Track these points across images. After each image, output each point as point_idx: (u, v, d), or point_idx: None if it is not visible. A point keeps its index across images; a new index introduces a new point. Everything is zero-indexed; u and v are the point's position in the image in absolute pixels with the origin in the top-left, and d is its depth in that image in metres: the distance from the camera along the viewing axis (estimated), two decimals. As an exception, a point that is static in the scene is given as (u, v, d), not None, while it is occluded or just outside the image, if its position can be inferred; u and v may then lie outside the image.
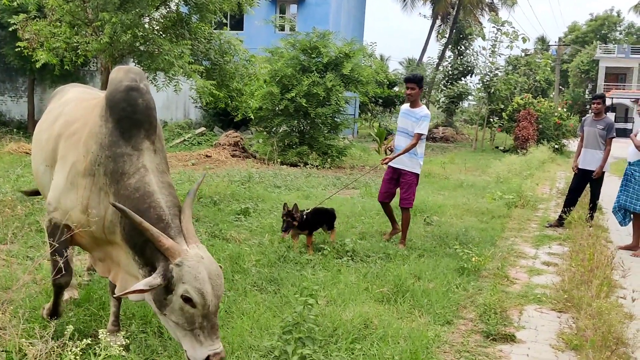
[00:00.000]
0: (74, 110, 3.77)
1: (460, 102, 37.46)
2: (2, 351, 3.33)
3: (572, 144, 27.87)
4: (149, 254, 3.07)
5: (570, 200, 8.91)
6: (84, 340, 2.51)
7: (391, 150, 7.01)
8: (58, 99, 4.22)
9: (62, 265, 3.43)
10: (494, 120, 29.69)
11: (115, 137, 3.34)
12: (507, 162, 17.40)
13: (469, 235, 7.61)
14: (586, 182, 8.80)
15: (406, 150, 6.71)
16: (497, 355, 4.15)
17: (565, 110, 29.52)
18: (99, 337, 2.54)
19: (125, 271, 3.41)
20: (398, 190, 7.11)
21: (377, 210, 9.07)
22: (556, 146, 26.38)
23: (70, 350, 2.44)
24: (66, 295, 3.84)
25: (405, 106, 7.04)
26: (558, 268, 6.50)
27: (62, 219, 3.48)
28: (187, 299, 2.91)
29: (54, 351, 3.01)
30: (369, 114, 34.64)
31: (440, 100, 36.20)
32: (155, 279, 2.94)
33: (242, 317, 4.36)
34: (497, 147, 28.58)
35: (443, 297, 5.06)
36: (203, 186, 10.04)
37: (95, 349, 2.57)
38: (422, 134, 6.71)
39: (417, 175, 6.96)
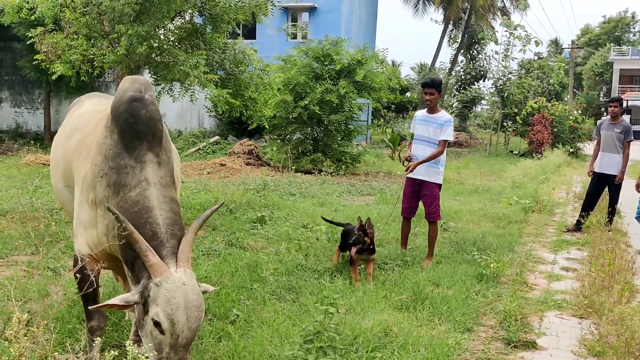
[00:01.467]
0: (87, 124, 3.73)
1: (474, 107, 37.36)
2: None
3: (588, 147, 27.62)
4: (137, 269, 2.96)
5: (588, 205, 8.84)
6: (112, 352, 2.53)
7: (409, 160, 6.52)
8: (74, 111, 4.23)
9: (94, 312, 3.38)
10: (507, 125, 29.52)
11: (119, 149, 3.25)
12: (523, 166, 17.31)
13: (486, 241, 7.57)
14: (604, 186, 8.73)
15: (432, 157, 6.30)
16: (519, 363, 4.12)
17: (579, 113, 29.29)
18: (126, 348, 2.55)
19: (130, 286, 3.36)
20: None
21: (393, 217, 9.06)
22: (571, 150, 26.15)
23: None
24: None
25: (422, 112, 6.68)
26: (577, 273, 6.44)
27: (85, 249, 3.37)
28: (156, 323, 2.76)
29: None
30: (382, 120, 34.64)
31: (454, 105, 36.10)
32: (133, 295, 2.86)
33: (262, 326, 4.37)
34: (511, 152, 28.42)
35: (462, 304, 5.04)
36: (219, 195, 10.11)
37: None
38: (448, 141, 6.40)
39: (439, 185, 6.61)
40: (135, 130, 3.27)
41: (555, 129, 25.99)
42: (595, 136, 9.12)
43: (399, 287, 5.44)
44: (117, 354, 2.61)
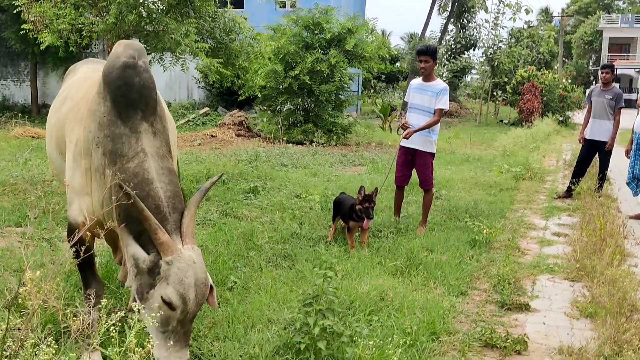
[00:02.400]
0: (80, 90, 3.64)
1: (464, 77, 37.22)
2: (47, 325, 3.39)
3: (577, 116, 27.75)
4: (142, 243, 2.93)
5: (579, 172, 8.91)
6: (119, 313, 2.54)
7: (405, 128, 6.37)
8: (69, 79, 4.17)
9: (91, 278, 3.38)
10: (497, 94, 29.53)
11: (114, 117, 3.16)
12: (513, 135, 17.39)
13: (478, 208, 7.64)
14: (594, 152, 8.80)
15: (428, 126, 6.26)
16: (513, 324, 4.19)
17: (569, 82, 29.32)
18: (133, 308, 2.57)
19: (124, 259, 3.31)
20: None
21: (385, 186, 9.10)
22: (561, 118, 26.26)
23: (106, 322, 2.48)
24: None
25: (417, 81, 6.57)
26: (569, 238, 6.53)
27: (80, 217, 3.31)
28: (167, 301, 2.79)
29: (98, 321, 3.06)
30: (372, 91, 34.53)
31: (444, 75, 35.96)
32: (145, 261, 2.86)
33: (259, 292, 4.42)
34: (501, 121, 28.50)
35: (456, 269, 5.11)
36: (211, 166, 10.10)
37: (128, 321, 2.61)
38: (444, 109, 6.34)
39: (432, 154, 6.58)
40: (128, 99, 3.18)
41: (545, 98, 26.05)
42: (586, 103, 9.15)
43: (393, 254, 5.50)
44: (123, 314, 2.62)
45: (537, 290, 4.89)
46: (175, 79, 20.20)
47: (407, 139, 6.33)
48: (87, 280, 3.37)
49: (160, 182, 3.06)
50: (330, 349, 3.23)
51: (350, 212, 5.76)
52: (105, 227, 3.41)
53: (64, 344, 2.98)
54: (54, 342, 2.46)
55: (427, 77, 6.47)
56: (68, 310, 2.51)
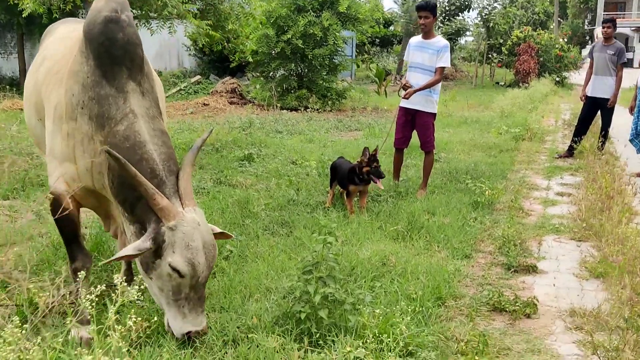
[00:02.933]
0: (58, 50, 3.38)
1: (458, 39, 36.69)
2: (13, 305, 3.22)
3: (574, 76, 27.49)
4: (139, 211, 2.79)
5: (580, 130, 8.72)
6: (99, 286, 2.36)
7: (406, 88, 6.12)
8: (47, 40, 3.89)
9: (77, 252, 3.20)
10: (493, 56, 29.11)
11: (98, 77, 2.95)
12: (510, 96, 17.13)
13: (478, 169, 7.47)
14: (596, 110, 8.60)
15: (429, 85, 6.02)
16: (520, 287, 4.05)
17: (565, 41, 28.92)
18: (115, 282, 2.38)
19: (122, 228, 3.16)
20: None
21: (383, 150, 8.90)
22: (558, 79, 25.96)
23: (85, 297, 2.29)
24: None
25: (417, 38, 6.31)
26: (573, 198, 6.36)
27: (62, 186, 3.08)
28: (174, 269, 2.70)
29: (66, 299, 2.90)
30: (366, 56, 33.97)
31: (438, 38, 35.39)
32: (145, 242, 2.71)
33: (256, 260, 4.25)
34: (497, 83, 28.16)
35: (459, 232, 4.94)
36: (203, 133, 9.83)
37: (111, 295, 2.43)
38: (445, 67, 6.08)
39: (434, 115, 6.34)
40: (113, 56, 2.96)
41: (541, 59, 25.70)
42: (587, 58, 8.90)
43: (393, 218, 5.33)
44: (104, 287, 2.44)
45: (544, 252, 4.74)
46: (165, 48, 19.76)
47: (408, 99, 6.09)
48: (73, 253, 3.18)
49: (153, 145, 2.90)
50: (332, 317, 3.07)
51: (351, 176, 5.56)
52: (95, 196, 3.23)
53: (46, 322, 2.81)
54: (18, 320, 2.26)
55: (427, 34, 6.18)
56: (32, 286, 2.31)
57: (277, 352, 2.84)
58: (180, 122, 11.89)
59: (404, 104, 6.24)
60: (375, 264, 4.14)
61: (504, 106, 14.92)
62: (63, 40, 3.45)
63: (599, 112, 8.60)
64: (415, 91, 6.01)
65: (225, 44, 8.79)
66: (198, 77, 19.03)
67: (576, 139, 8.58)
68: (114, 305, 2.19)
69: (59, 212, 3.04)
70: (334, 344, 2.91)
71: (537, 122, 11.99)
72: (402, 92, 6.16)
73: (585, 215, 5.44)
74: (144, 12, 7.40)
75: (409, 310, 3.33)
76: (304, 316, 3.00)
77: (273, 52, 14.88)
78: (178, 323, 2.82)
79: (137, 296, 2.40)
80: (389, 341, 2.82)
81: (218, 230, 3.04)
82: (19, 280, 2.53)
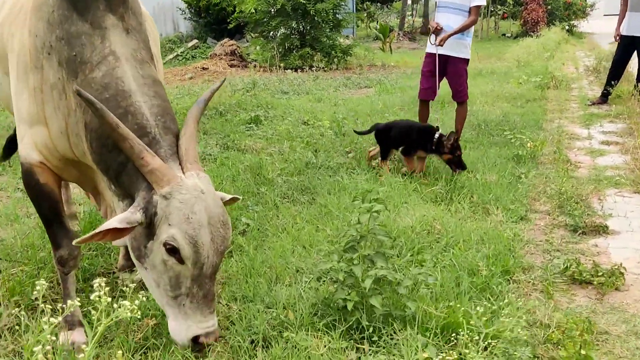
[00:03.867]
0: None
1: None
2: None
3: (583, 25, 26.53)
4: (126, 180, 2.16)
5: (615, 74, 7.98)
6: (98, 280, 1.70)
7: (437, 32, 5.37)
8: None
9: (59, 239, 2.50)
10: (497, 8, 28.00)
11: (66, 10, 2.28)
12: (524, 45, 16.32)
13: (510, 121, 6.79)
14: (632, 50, 7.84)
15: (464, 28, 5.29)
16: (594, 252, 3.42)
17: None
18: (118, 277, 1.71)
19: (113, 207, 2.43)
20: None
21: (400, 105, 8.23)
22: (567, 27, 24.97)
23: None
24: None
25: None
26: (621, 146, 5.71)
27: (34, 155, 2.43)
28: (172, 249, 2.03)
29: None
30: (364, 13, 32.81)
31: (439, -9, 34.23)
32: (134, 213, 2.05)
33: (278, 234, 3.62)
34: (504, 35, 27.13)
35: (509, 190, 4.29)
36: (205, 98, 9.10)
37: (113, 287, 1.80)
38: (481, 6, 5.39)
39: (467, 60, 5.60)
40: None
41: (549, 7, 24.68)
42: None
43: (429, 177, 4.68)
44: (103, 284, 1.78)
45: (608, 208, 4.09)
46: (159, 12, 18.79)
47: (442, 45, 5.33)
48: (56, 239, 2.52)
49: (142, 95, 2.22)
50: (387, 305, 2.44)
51: (424, 142, 4.87)
52: (77, 167, 2.57)
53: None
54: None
55: None
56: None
57: (323, 354, 2.21)
58: (179, 88, 11.15)
59: (433, 50, 5.47)
60: (419, 232, 3.51)
61: (520, 55, 14.12)
62: None
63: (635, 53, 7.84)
64: (449, 35, 5.26)
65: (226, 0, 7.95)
66: (195, 41, 18.13)
67: (613, 82, 7.85)
68: (99, 320, 1.51)
69: (33, 187, 2.40)
70: (391, 340, 2.29)
71: (559, 70, 11.23)
72: (433, 37, 5.41)
73: (644, 164, 4.80)
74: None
75: (475, 289, 2.72)
76: (351, 305, 2.37)
77: (272, 10, 14.04)
78: (179, 327, 2.14)
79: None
80: (465, 337, 2.19)
81: (228, 197, 2.37)
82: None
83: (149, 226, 2.06)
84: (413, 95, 8.93)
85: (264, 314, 2.56)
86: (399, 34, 25.08)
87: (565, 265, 3.07)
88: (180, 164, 2.17)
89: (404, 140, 5.00)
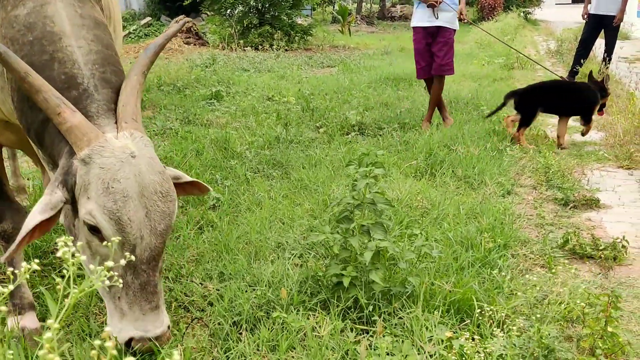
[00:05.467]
0: None
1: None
2: None
3: (537, 13, 26.85)
4: (48, 142, 1.77)
5: (582, 52, 7.94)
6: (64, 237, 1.36)
7: (433, 5, 5.07)
8: None
9: None
10: (454, -7, 28.02)
11: None
12: (484, 28, 16.27)
13: (481, 98, 6.62)
14: (600, 29, 7.79)
15: None
16: (589, 226, 3.25)
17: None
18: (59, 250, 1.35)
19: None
20: None
21: (367, 83, 7.98)
22: (522, 14, 25.20)
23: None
24: None
25: None
26: (597, 123, 5.59)
27: None
28: (93, 228, 1.63)
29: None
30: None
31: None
32: (53, 192, 1.64)
33: (253, 209, 3.31)
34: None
35: (492, 164, 4.09)
36: (162, 73, 8.66)
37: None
38: None
39: (454, 31, 5.39)
40: None
41: (506, -7, 24.87)
42: None
43: (407, 152, 4.45)
44: (70, 242, 1.43)
45: (594, 183, 3.94)
46: (109, -12, 18.01)
47: (437, 5, 5.07)
48: None
49: (77, 39, 1.80)
50: (387, 281, 2.19)
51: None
52: (11, 129, 2.17)
53: None
54: None
55: None
56: None
57: (322, 336, 1.94)
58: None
59: (424, 22, 5.20)
60: (406, 206, 3.27)
61: (479, 39, 14.08)
62: None
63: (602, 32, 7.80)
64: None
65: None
66: (148, 18, 17.45)
67: (581, 61, 7.79)
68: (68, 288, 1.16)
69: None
70: (397, 319, 2.04)
71: (523, 51, 11.18)
72: (441, 16, 5.13)
73: (623, 140, 4.68)
74: None
75: (476, 263, 2.49)
76: (348, 282, 2.10)
77: (230, -15, 13.57)
78: (115, 324, 1.69)
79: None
80: (482, 316, 1.95)
81: (187, 178, 1.93)
82: None
83: (73, 200, 1.67)
84: (379, 74, 8.71)
85: (246, 293, 2.26)
86: (356, 17, 24.84)
87: (564, 239, 2.88)
88: (116, 122, 1.75)
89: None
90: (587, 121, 4.83)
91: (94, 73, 1.79)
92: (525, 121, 4.81)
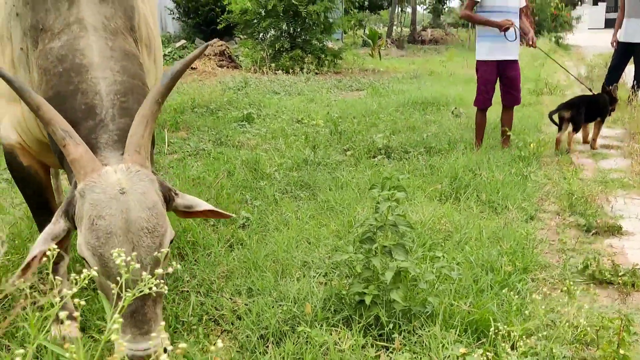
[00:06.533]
0: None
1: (447, 2, 35.66)
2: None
3: (569, 38, 26.74)
4: (66, 168, 1.89)
5: (611, 79, 7.89)
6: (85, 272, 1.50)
7: (507, 28, 5.14)
8: None
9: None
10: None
11: None
12: (557, 61, 16.36)
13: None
14: (629, 57, 7.80)
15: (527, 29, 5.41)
16: (610, 252, 3.29)
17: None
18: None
19: None
20: None
21: (395, 107, 8.10)
22: (554, 39, 25.15)
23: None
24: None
25: None
26: (622, 150, 5.63)
27: (13, 135, 2.20)
28: (84, 258, 1.72)
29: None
30: (354, 17, 32.87)
31: (427, 1, 34.47)
32: (56, 222, 1.75)
33: (281, 229, 3.45)
34: (529, 46, 27.19)
35: (516, 190, 4.16)
36: (196, 95, 8.92)
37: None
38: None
39: None
40: None
41: (536, 17, 24.85)
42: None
43: (433, 176, 4.55)
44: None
45: (618, 210, 3.98)
46: (146, 11, 18.56)
47: (535, 46, 5.50)
48: (44, 226, 2.32)
49: (103, 70, 1.91)
50: (407, 301, 2.29)
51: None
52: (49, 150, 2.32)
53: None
54: None
55: None
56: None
57: (344, 350, 2.05)
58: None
59: (505, 56, 5.35)
60: (429, 229, 3.36)
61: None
62: None
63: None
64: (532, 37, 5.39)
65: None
66: (183, 41, 17.90)
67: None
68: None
69: (16, 169, 2.20)
70: (416, 337, 2.13)
71: (551, 77, 11.24)
72: (514, 34, 5.22)
73: (649, 168, 4.72)
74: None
75: (496, 286, 2.57)
76: (370, 300, 2.21)
77: (263, 11, 13.89)
78: (122, 337, 1.63)
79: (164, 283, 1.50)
80: (497, 335, 2.03)
81: (203, 206, 1.94)
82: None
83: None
84: (407, 98, 8.83)
85: (273, 308, 2.39)
86: (387, 41, 25.08)
87: (584, 264, 2.94)
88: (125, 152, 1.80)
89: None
90: (602, 120, 5.83)
91: (114, 103, 1.89)
92: (576, 128, 5.64)
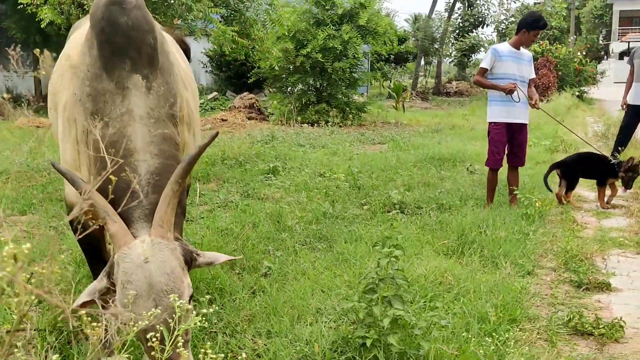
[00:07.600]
0: (72, 45, 2.92)
1: (473, 55, 36.39)
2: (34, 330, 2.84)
3: (593, 92, 27.06)
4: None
5: (622, 139, 8.28)
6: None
7: (512, 91, 5.65)
8: (72, 34, 3.51)
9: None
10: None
11: (98, 69, 2.46)
12: (535, 110, 16.69)
13: (520, 182, 7.01)
14: (639, 119, 8.15)
15: (534, 97, 6.01)
16: (597, 307, 3.62)
17: (583, 55, 28.51)
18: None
19: None
20: None
21: (413, 162, 8.52)
22: (577, 93, 25.49)
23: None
24: None
25: (507, 47, 5.84)
26: (626, 210, 5.94)
27: (74, 197, 2.63)
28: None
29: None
30: (379, 72, 33.74)
31: (452, 54, 35.24)
32: (100, 280, 2.17)
33: (298, 278, 3.85)
34: (532, 107, 27.61)
35: (517, 246, 4.52)
36: (225, 148, 9.49)
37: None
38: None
39: None
40: (114, 44, 2.45)
41: (560, 72, 25.28)
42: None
43: (442, 231, 4.92)
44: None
45: (611, 267, 4.30)
46: (180, 64, 19.56)
47: (538, 108, 6.11)
48: (96, 273, 2.78)
49: (144, 153, 2.34)
50: (403, 344, 2.66)
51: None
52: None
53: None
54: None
55: (518, 45, 5.88)
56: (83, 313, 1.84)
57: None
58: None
59: (516, 119, 5.88)
60: (432, 282, 3.73)
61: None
62: (82, 32, 3.06)
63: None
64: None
65: (250, 52, 8.42)
66: (215, 93, 18.78)
67: (620, 148, 8.12)
68: None
69: (75, 227, 2.66)
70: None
71: (568, 134, 11.54)
72: (521, 96, 5.75)
73: (647, 228, 5.02)
74: (168, 17, 7.10)
75: (483, 333, 2.92)
76: (370, 342, 2.59)
77: (291, 67, 14.60)
78: None
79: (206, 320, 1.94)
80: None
81: (223, 259, 2.36)
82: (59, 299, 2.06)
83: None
84: (426, 153, 9.25)
85: (288, 348, 2.78)
86: (412, 93, 25.72)
87: (568, 317, 3.27)
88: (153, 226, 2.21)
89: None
90: (601, 182, 6.18)
91: (149, 181, 2.30)
92: (569, 185, 6.16)
